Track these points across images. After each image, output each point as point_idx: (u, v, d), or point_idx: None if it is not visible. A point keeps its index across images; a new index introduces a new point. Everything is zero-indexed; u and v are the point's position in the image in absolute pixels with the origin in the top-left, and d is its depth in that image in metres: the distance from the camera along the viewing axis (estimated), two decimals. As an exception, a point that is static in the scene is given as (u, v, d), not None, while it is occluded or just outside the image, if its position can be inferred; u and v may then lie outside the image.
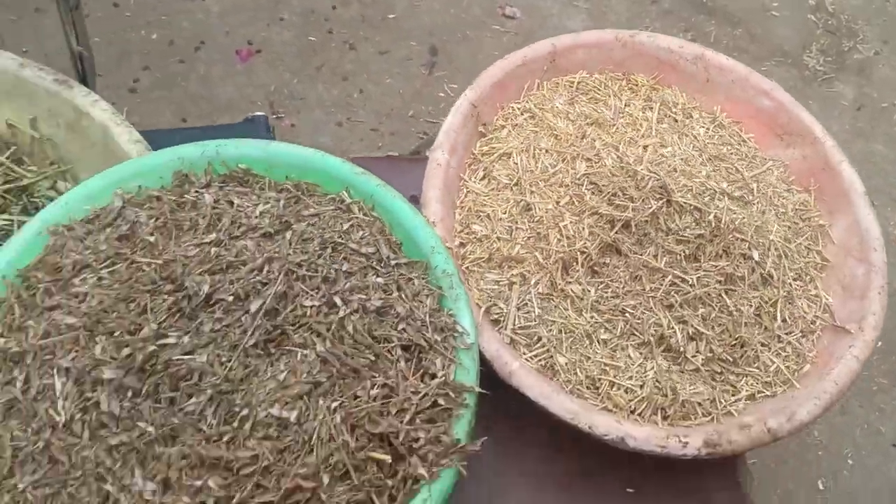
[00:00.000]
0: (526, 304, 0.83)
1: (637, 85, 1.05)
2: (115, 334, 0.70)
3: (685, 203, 0.86)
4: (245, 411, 0.67)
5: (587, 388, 0.80)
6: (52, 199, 0.93)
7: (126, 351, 0.69)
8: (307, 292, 0.74)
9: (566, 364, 0.80)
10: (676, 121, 0.99)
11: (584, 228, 0.86)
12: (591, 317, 0.83)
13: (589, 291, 0.83)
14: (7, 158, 0.94)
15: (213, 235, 0.78)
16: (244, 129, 1.16)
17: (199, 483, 0.63)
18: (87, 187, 0.83)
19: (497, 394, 0.75)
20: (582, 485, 0.83)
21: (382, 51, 2.23)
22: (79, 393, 0.69)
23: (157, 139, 0.95)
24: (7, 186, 0.91)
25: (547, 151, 0.93)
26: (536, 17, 2.38)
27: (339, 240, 0.80)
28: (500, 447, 0.82)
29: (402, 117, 2.08)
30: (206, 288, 0.72)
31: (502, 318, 0.83)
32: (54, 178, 0.95)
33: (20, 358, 0.72)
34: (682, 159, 0.92)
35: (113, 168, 0.85)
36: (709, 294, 0.82)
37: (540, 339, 0.81)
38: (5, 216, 0.89)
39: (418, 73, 2.20)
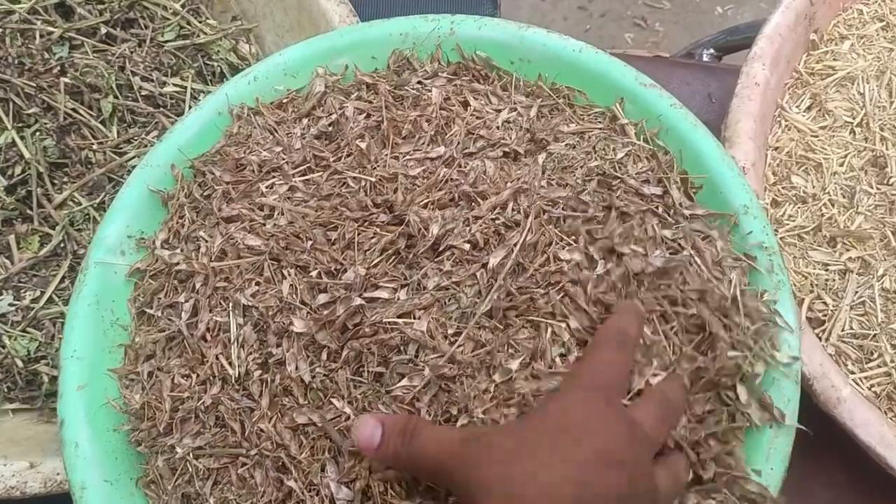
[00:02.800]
0: (864, 302, 0.58)
1: None
2: (311, 272, 0.52)
3: None
4: (461, 413, 0.47)
5: (939, 434, 0.56)
6: (232, 65, 0.74)
7: (323, 298, 0.51)
8: (564, 240, 0.52)
9: (915, 397, 0.56)
10: None
11: (961, 203, 0.59)
12: (954, 331, 0.58)
13: (955, 296, 0.58)
14: (182, 6, 0.75)
15: (441, 149, 0.57)
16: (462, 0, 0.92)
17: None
18: (283, 60, 0.63)
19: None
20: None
21: (596, -87, 1.89)
22: (259, 342, 0.52)
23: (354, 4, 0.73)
24: (180, 43, 0.73)
25: (911, 81, 0.65)
26: None
27: (612, 171, 0.57)
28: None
29: (617, -4, 1.75)
30: (435, 230, 0.51)
31: (826, 319, 0.59)
32: (236, 37, 0.76)
33: (187, 278, 0.55)
34: None
35: (315, 39, 0.64)
36: None
37: (879, 355, 0.57)
38: (176, 80, 0.71)
39: (640, -58, 1.85)
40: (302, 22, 0.73)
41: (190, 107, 0.70)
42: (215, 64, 0.74)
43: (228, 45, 0.75)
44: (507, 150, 0.58)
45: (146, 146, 0.68)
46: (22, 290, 0.65)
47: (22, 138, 0.66)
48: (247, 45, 0.76)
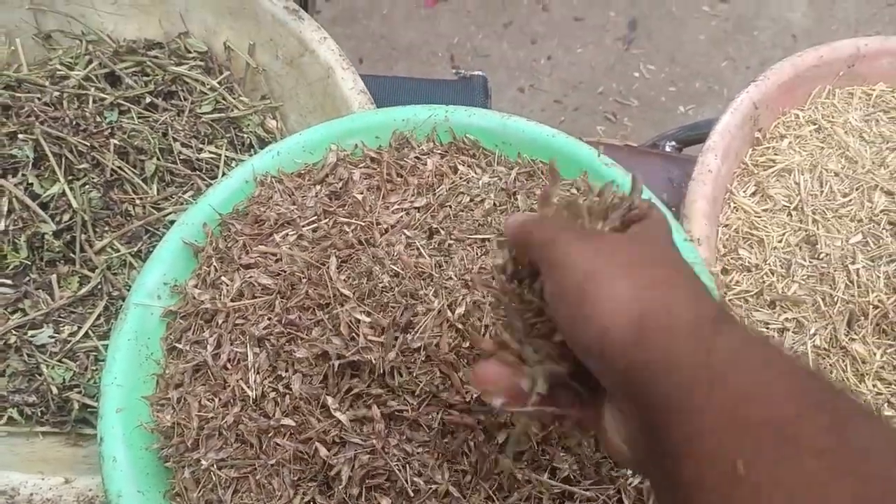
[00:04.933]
0: (798, 357, 0.68)
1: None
2: (307, 306, 0.61)
3: None
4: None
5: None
6: (259, 137, 0.84)
7: (316, 332, 0.59)
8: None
9: (838, 441, 0.65)
10: None
11: (879, 277, 0.70)
12: (874, 385, 0.67)
13: (875, 354, 0.68)
14: (219, 84, 0.86)
15: (423, 200, 0.67)
16: (459, 89, 1.04)
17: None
18: (303, 139, 0.73)
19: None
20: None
21: (578, 16, 2.07)
22: (271, 368, 0.60)
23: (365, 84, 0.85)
24: (217, 116, 0.83)
25: (836, 175, 0.77)
26: (750, 4, 2.14)
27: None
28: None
29: (589, 92, 1.92)
30: (400, 249, 0.61)
31: (768, 370, 0.68)
32: (264, 113, 0.86)
33: (212, 317, 0.64)
34: None
35: (330, 122, 0.75)
36: None
37: (811, 403, 0.66)
38: (212, 148, 0.81)
39: (614, 46, 2.02)
40: (325, 105, 0.84)
41: (223, 172, 0.80)
42: (245, 135, 0.84)
43: (258, 119, 0.85)
44: (487, 206, 0.68)
45: (182, 204, 0.77)
46: (61, 325, 0.72)
47: (71, 189, 0.75)
48: (273, 120, 0.86)
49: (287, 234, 0.66)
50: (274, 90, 0.89)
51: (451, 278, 0.59)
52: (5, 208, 0.74)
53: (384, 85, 0.88)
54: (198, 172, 0.80)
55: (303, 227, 0.66)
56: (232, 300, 0.63)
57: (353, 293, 0.59)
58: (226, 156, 0.81)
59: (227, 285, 0.64)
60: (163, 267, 0.67)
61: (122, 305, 0.73)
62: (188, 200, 0.77)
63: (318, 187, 0.70)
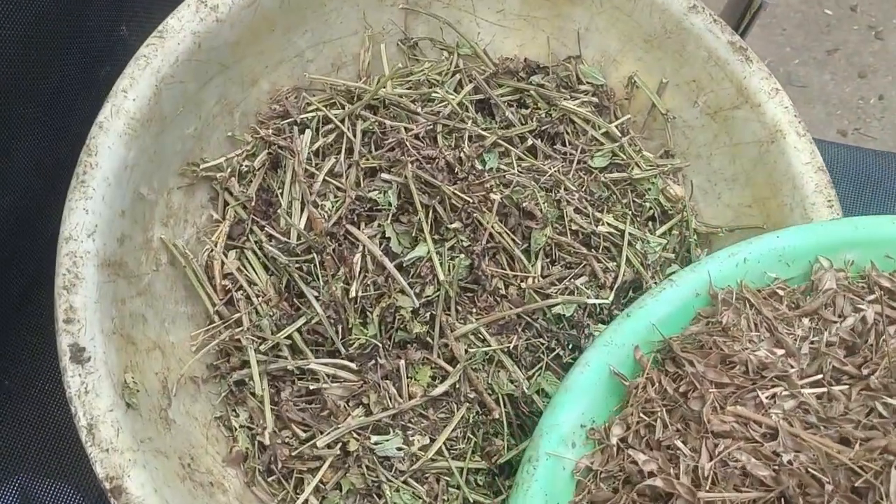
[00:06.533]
0: None
1: None
2: None
3: None
4: None
5: None
6: (662, 208, 0.64)
7: None
8: None
9: None
10: None
11: None
12: None
13: None
14: (619, 130, 0.66)
15: None
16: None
17: None
18: (781, 244, 0.52)
19: None
20: None
21: (918, 50, 1.71)
22: None
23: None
24: (616, 175, 0.64)
25: None
26: None
27: None
28: None
29: (928, 145, 1.58)
30: None
31: None
32: (667, 175, 0.66)
33: (658, 499, 0.44)
34: None
35: (821, 225, 0.54)
36: None
37: None
38: (610, 219, 0.61)
39: (965, 91, 1.66)
40: (754, 177, 0.62)
41: (626, 256, 0.60)
42: (647, 203, 0.64)
43: (661, 183, 0.65)
44: None
45: (573, 293, 0.58)
46: (409, 432, 0.56)
47: (438, 255, 0.58)
48: (678, 186, 0.65)
49: (777, 395, 0.45)
50: (678, 144, 0.68)
51: None
52: (358, 266, 0.58)
53: (825, 151, 0.64)
54: (594, 251, 0.60)
55: (801, 386, 0.45)
56: (704, 488, 0.43)
57: None
58: (629, 233, 0.61)
59: (689, 458, 0.44)
60: (582, 403, 0.49)
61: (526, 452, 0.56)
62: (581, 289, 0.58)
63: (807, 322, 0.49)
